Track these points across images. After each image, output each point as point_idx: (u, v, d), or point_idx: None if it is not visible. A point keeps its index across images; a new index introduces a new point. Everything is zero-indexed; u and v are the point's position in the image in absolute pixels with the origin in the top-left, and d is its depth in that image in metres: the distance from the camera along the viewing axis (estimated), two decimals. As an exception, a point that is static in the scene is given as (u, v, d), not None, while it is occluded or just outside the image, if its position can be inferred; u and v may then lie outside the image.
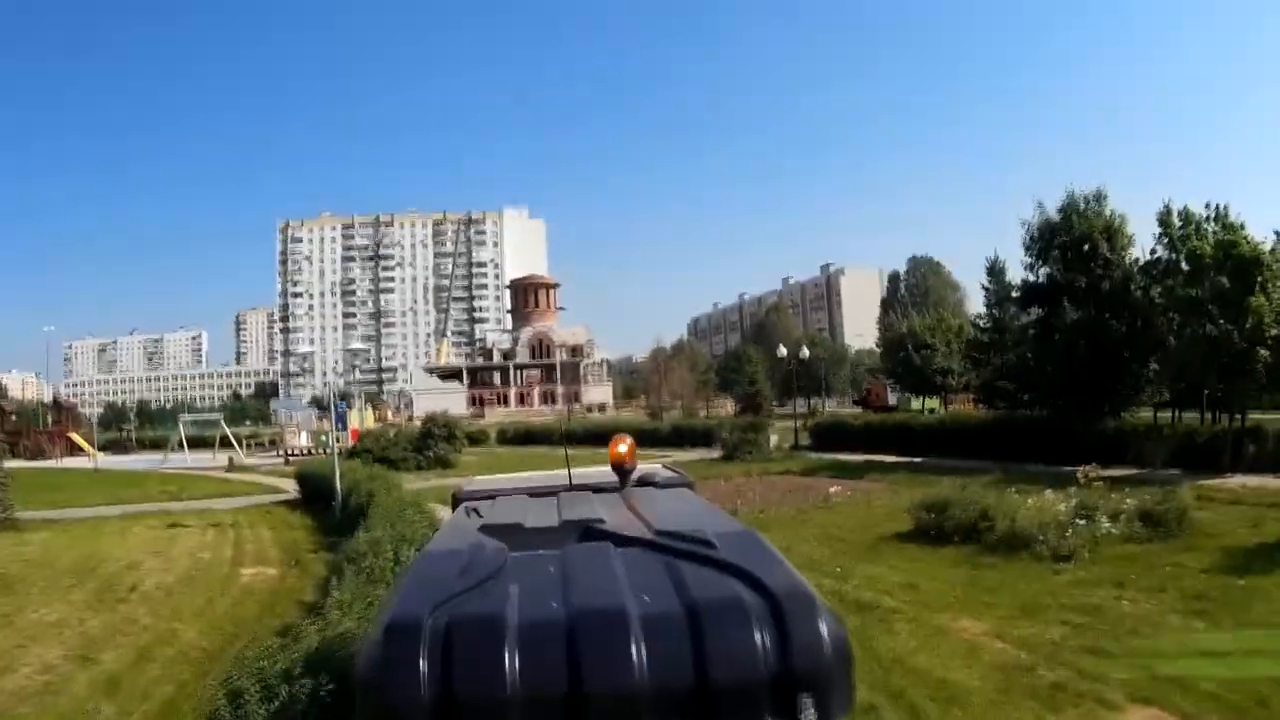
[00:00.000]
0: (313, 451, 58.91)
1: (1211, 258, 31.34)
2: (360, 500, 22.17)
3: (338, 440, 32.89)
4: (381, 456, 47.33)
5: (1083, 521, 18.76)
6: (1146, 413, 38.10)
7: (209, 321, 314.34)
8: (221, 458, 59.97)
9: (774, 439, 48.71)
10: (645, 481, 5.59)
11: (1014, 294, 42.27)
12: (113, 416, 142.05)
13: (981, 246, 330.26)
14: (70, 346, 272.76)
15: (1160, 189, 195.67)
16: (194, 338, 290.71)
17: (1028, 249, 39.03)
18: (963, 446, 38.99)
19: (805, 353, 66.78)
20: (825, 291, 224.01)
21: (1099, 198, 37.89)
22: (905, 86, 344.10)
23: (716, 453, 48.02)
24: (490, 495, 5.49)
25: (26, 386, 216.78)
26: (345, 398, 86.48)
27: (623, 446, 5.38)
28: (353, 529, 17.67)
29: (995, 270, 59.59)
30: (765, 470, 38.82)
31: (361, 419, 66.17)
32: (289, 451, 62.46)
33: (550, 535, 3.97)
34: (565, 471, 5.89)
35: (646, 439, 59.45)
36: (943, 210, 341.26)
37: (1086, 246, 36.71)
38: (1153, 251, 35.52)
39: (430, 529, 13.55)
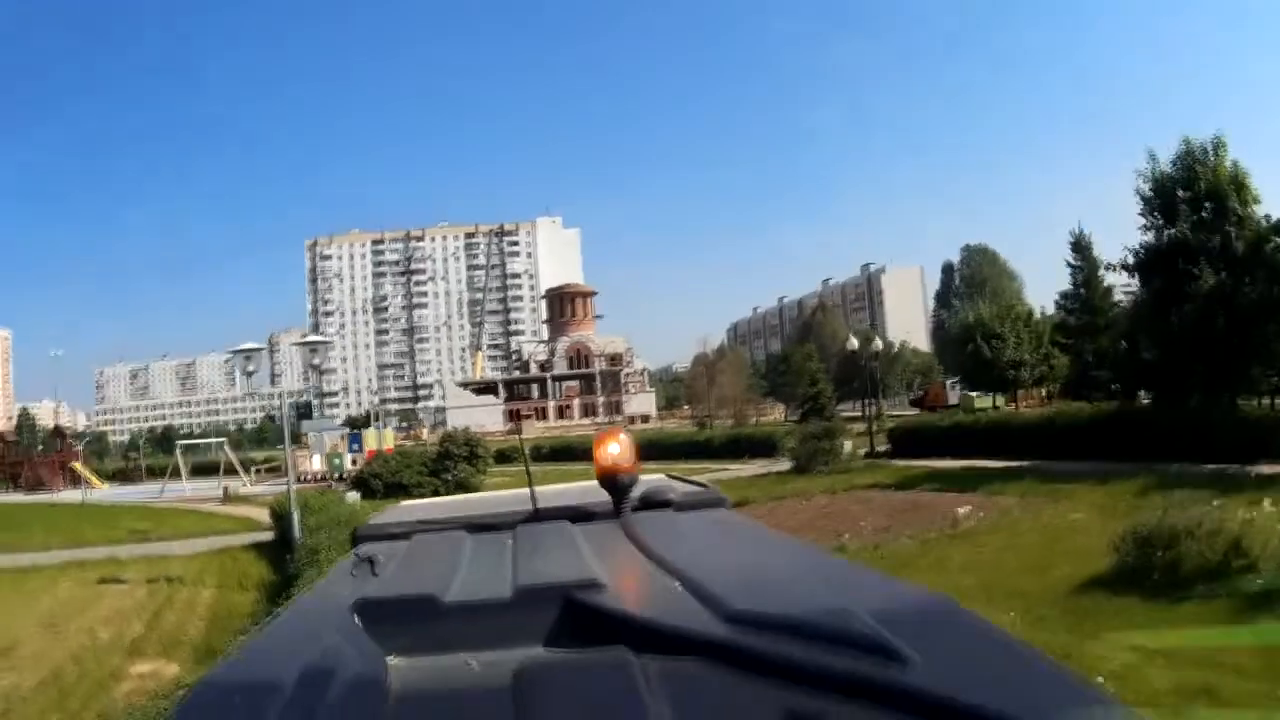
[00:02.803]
0: (327, 477, 52.92)
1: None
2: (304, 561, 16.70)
3: (320, 476, 26.57)
4: (392, 482, 41.88)
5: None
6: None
7: (243, 344, 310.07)
8: (228, 483, 54.51)
9: (847, 446, 42.08)
10: (654, 501, 3.22)
11: (1129, 261, 35.34)
12: (135, 444, 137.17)
13: (1020, 239, 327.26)
14: (101, 373, 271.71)
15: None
16: (226, 360, 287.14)
17: (1148, 206, 32.70)
18: (1073, 446, 32.99)
19: (879, 344, 60.52)
20: (867, 291, 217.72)
21: (1218, 147, 31.61)
22: (935, 80, 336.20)
23: (782, 464, 42.11)
24: (404, 533, 3.19)
25: (59, 415, 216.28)
26: (372, 418, 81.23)
27: (615, 446, 3.09)
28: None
29: (1080, 245, 53.93)
30: (849, 484, 32.56)
31: (380, 439, 59.69)
32: (299, 477, 55.73)
33: (490, 626, 1.95)
34: (529, 492, 3.46)
35: (699, 451, 54.75)
36: (979, 203, 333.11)
37: (1209, 203, 31.04)
38: None
39: None
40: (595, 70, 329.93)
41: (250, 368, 24.82)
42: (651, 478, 4.33)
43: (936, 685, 1.43)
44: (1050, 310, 70.10)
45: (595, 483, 3.31)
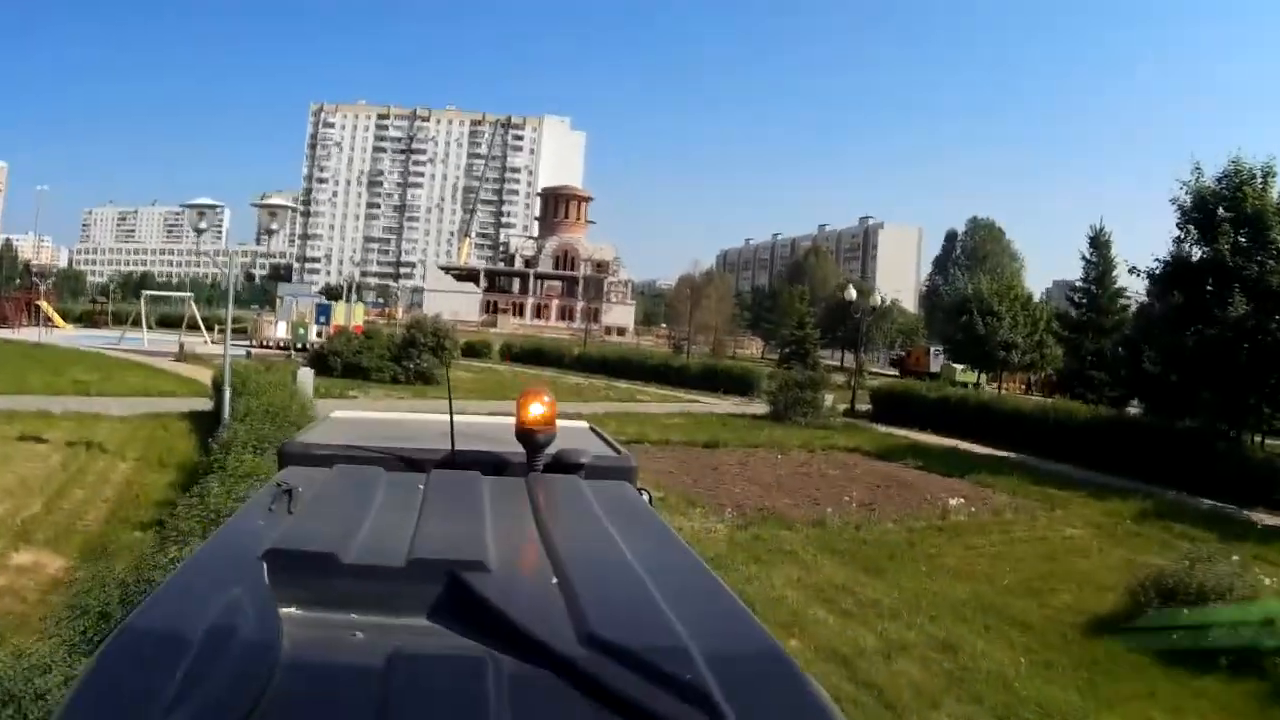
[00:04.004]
0: (288, 345, 51.03)
1: None
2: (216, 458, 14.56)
3: (281, 344, 24.57)
4: (352, 363, 39.91)
5: None
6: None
7: (233, 199, 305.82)
8: (188, 340, 51.49)
9: (828, 399, 40.26)
10: (564, 463, 3.62)
11: (1156, 270, 33.54)
12: (106, 289, 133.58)
13: (1021, 221, 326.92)
14: (89, 213, 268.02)
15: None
16: (216, 213, 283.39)
17: (1186, 219, 30.51)
18: (1063, 446, 31.44)
19: (878, 298, 58.97)
20: (862, 243, 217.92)
21: (1268, 174, 29.27)
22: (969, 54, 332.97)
23: (757, 406, 40.59)
24: (327, 458, 3.56)
25: (41, 250, 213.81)
26: (350, 290, 78.98)
27: (539, 406, 3.55)
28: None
29: (1099, 241, 52.41)
30: (828, 443, 30.85)
31: (349, 314, 57.57)
32: (261, 343, 54.20)
33: (382, 592, 2.17)
34: (449, 417, 3.95)
35: (673, 377, 53.04)
36: (988, 182, 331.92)
37: (1247, 229, 28.90)
38: None
39: None
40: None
41: (202, 224, 22.60)
42: (575, 425, 4.65)
43: None
44: (1042, 297, 69.45)
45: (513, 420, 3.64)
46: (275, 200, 22.32)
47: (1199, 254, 30.25)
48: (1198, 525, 20.85)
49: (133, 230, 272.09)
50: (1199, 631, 11.95)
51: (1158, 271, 31.83)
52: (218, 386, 24.27)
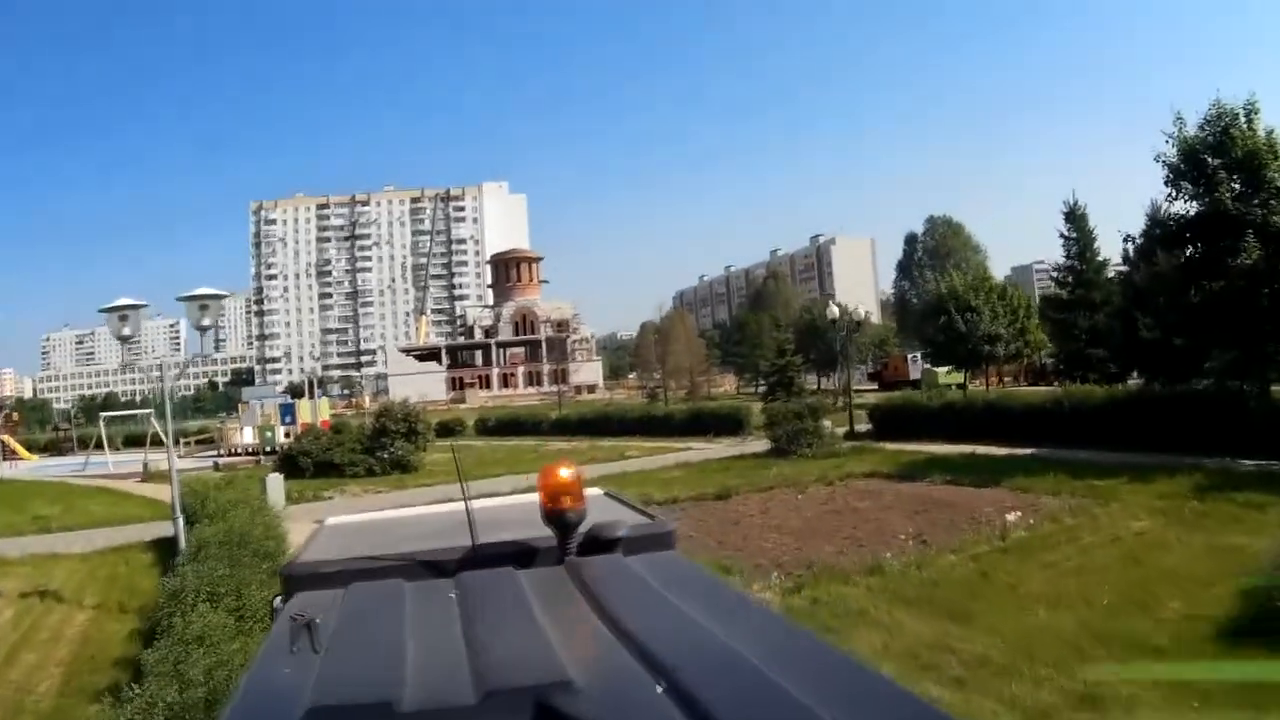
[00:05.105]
0: (257, 450, 49.22)
1: None
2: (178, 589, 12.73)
3: (250, 450, 22.63)
4: (323, 460, 38.06)
5: None
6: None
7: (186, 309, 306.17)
8: (153, 458, 49.44)
9: (827, 425, 38.11)
10: (599, 540, 3.24)
11: (1150, 233, 32.45)
12: (69, 415, 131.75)
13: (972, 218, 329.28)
14: (47, 339, 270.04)
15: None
16: (171, 326, 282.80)
17: (1176, 172, 28.94)
18: (1082, 433, 30.14)
19: (861, 313, 57.64)
20: (816, 262, 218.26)
21: (1251, 112, 27.96)
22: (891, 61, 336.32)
23: (752, 443, 38.90)
24: (337, 576, 3.15)
25: (4, 382, 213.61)
26: (313, 386, 77.19)
27: (564, 482, 3.16)
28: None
29: (1075, 215, 51.41)
30: (844, 472, 28.88)
31: (315, 411, 55.64)
32: (229, 451, 52.73)
33: None
34: (465, 506, 3.59)
35: (658, 427, 51.22)
36: (929, 182, 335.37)
37: (1239, 173, 27.47)
38: None
39: None
40: (548, 34, 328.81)
41: (125, 330, 20.61)
42: (593, 493, 4.13)
43: None
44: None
45: (533, 499, 3.37)
46: (239, 302, 20.33)
47: (1195, 208, 28.97)
48: (1256, 490, 19.92)
49: (91, 352, 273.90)
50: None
51: (1157, 233, 30.91)
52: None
